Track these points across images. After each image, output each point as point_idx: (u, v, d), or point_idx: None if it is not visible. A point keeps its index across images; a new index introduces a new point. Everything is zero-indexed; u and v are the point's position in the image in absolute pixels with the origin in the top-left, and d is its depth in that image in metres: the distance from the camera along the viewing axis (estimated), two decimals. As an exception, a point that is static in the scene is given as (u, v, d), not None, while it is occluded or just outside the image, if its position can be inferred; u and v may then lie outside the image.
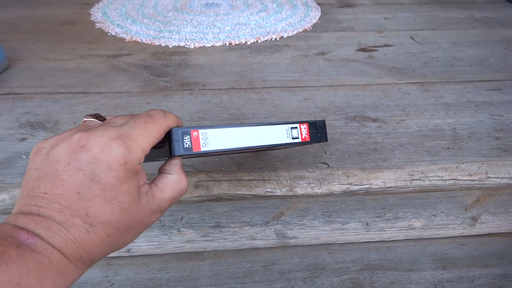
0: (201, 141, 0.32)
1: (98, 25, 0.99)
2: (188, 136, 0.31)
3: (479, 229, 0.62)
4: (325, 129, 0.40)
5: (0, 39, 0.89)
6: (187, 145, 0.31)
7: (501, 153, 0.55)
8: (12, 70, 0.76)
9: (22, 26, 0.98)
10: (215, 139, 0.32)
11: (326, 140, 0.40)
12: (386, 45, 0.90)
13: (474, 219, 0.60)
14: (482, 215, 0.60)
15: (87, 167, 0.26)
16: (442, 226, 0.60)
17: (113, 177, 0.27)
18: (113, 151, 0.27)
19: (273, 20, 1.03)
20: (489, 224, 0.61)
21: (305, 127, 0.38)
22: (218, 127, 0.33)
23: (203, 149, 0.32)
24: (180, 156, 0.32)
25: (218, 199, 0.51)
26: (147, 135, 0.29)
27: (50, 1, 1.16)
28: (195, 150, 0.31)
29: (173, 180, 0.32)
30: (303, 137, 0.37)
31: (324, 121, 0.39)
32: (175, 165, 0.32)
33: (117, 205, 0.27)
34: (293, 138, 0.37)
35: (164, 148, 0.32)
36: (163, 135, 0.31)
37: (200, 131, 0.32)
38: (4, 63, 0.75)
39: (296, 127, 0.37)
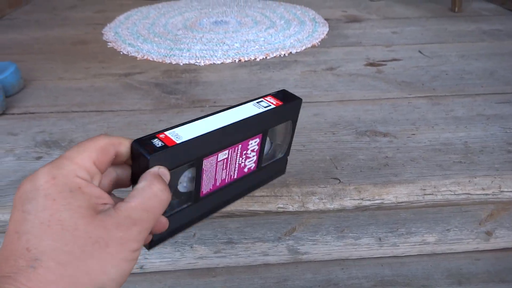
0: (172, 137, 0.30)
1: (110, 45, 1.01)
2: (156, 139, 0.29)
3: (494, 243, 0.61)
4: (291, 93, 0.39)
5: (16, 60, 0.92)
6: (159, 144, 0.29)
7: (514, 167, 0.55)
8: (28, 90, 0.78)
9: (37, 47, 1.01)
10: (186, 132, 0.31)
11: (300, 99, 0.38)
12: (395, 59, 0.90)
13: (489, 233, 0.59)
14: (497, 229, 0.59)
15: (19, 202, 0.24)
16: (456, 241, 0.60)
17: (42, 197, 0.24)
18: (37, 174, 0.24)
19: (282, 37, 1.04)
20: (505, 238, 0.60)
21: (271, 97, 0.37)
22: (185, 124, 0.31)
23: (178, 141, 0.29)
24: (156, 160, 0.28)
25: (231, 215, 0.51)
26: (78, 149, 0.26)
27: (64, 22, 1.20)
28: (170, 145, 0.29)
29: (141, 186, 0.27)
30: (275, 103, 0.36)
31: (284, 89, 0.39)
32: (146, 173, 0.28)
33: (57, 225, 0.23)
34: (265, 107, 0.36)
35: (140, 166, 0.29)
36: (106, 150, 0.28)
37: (167, 132, 0.30)
38: (20, 83, 0.77)
39: (262, 100, 0.37)
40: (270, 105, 0.36)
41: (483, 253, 0.62)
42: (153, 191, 0.27)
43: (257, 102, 0.36)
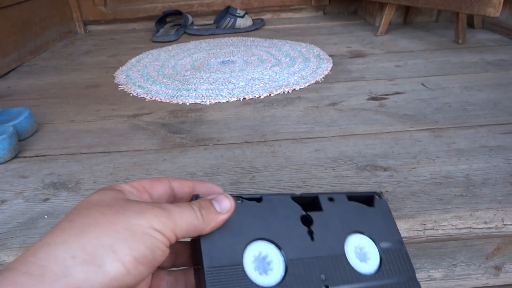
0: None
1: (121, 87, 1.05)
2: None
3: (504, 278, 0.59)
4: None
5: (32, 105, 0.97)
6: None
7: (517, 199, 0.54)
8: (40, 133, 0.82)
9: (52, 91, 1.06)
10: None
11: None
12: (397, 93, 0.91)
13: (498, 268, 0.58)
14: (505, 264, 0.57)
15: None
16: (463, 276, 0.58)
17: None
18: None
19: (286, 74, 1.07)
20: (515, 273, 0.58)
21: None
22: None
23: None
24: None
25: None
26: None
27: (79, 67, 1.26)
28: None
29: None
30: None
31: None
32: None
33: (82, 206, 0.27)
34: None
35: None
36: (158, 180, 0.31)
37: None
38: (33, 127, 0.81)
39: None
40: None
41: (494, 290, 0.59)
42: (192, 207, 0.26)
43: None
